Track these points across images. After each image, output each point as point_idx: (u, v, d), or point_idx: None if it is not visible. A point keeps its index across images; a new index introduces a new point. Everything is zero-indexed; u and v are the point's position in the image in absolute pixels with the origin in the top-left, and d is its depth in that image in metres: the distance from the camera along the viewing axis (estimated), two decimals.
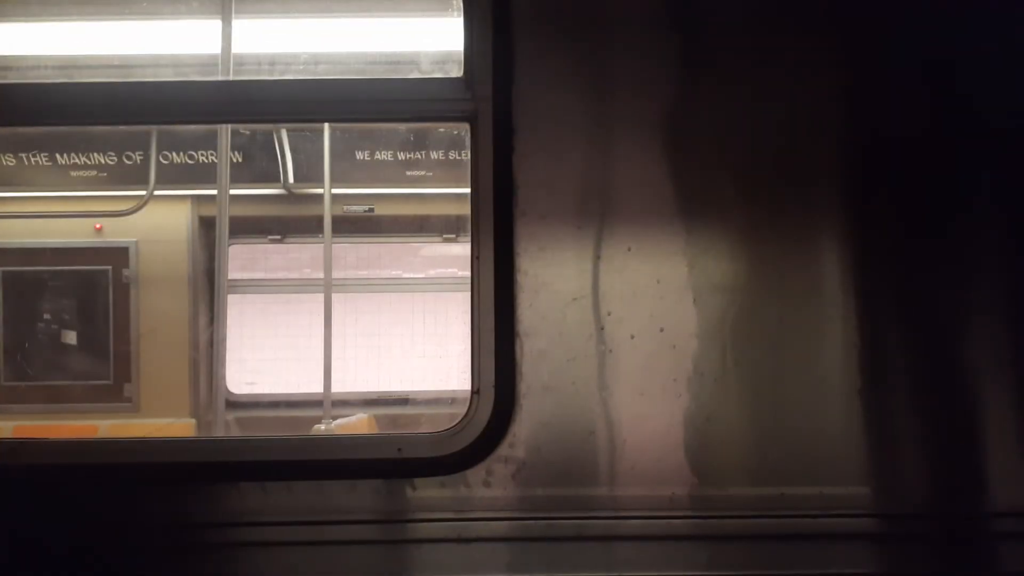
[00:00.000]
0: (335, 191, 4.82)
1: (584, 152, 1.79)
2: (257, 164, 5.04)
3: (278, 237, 5.35)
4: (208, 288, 5.37)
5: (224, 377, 5.41)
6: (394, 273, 5.69)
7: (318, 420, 4.69)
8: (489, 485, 1.69)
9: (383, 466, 1.69)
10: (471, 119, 1.78)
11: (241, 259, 5.62)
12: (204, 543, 1.68)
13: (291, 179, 5.03)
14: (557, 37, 1.81)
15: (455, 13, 1.87)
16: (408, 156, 5.06)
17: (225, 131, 3.57)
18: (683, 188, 1.78)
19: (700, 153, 1.79)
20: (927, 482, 1.75)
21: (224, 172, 3.41)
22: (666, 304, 1.74)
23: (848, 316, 1.75)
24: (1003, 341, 1.77)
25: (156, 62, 3.32)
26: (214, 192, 5.12)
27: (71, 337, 5.11)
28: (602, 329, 1.74)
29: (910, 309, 1.77)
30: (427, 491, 1.68)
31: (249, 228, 5.36)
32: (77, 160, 5.03)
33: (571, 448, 1.71)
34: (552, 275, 1.75)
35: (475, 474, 1.68)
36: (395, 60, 3.12)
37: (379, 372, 5.35)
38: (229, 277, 5.52)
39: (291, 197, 5.15)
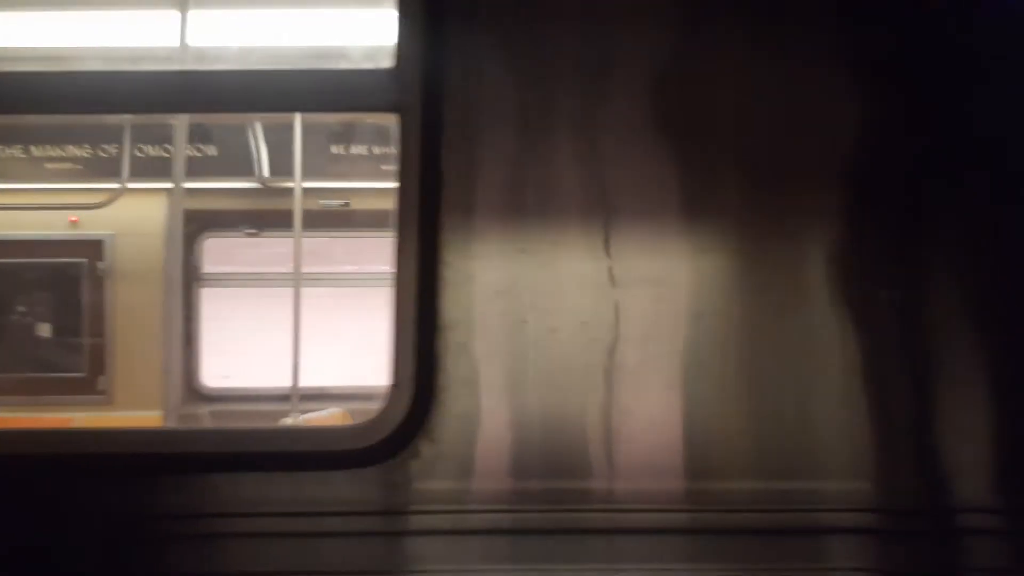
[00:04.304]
0: (311, 185, 4.82)
1: (515, 146, 1.78)
2: (232, 157, 5.05)
3: (254, 231, 5.34)
4: (183, 281, 5.38)
5: (198, 370, 5.45)
6: (375, 268, 5.67)
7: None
8: (406, 479, 1.68)
9: (299, 459, 1.68)
10: (399, 110, 1.77)
11: (221, 252, 5.62)
12: (123, 536, 1.68)
13: (266, 173, 5.03)
14: (493, 30, 1.80)
15: (390, 4, 1.87)
16: (384, 150, 5.06)
17: (182, 124, 3.56)
18: (612, 185, 1.77)
19: (633, 151, 1.78)
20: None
21: (179, 165, 3.40)
22: (589, 298, 1.73)
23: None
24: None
25: (80, 54, 3.31)
26: (189, 185, 5.17)
27: (45, 330, 5.11)
28: (525, 323, 1.73)
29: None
30: (343, 484, 1.67)
31: (225, 222, 5.36)
32: (52, 152, 5.03)
33: (490, 442, 1.71)
34: (477, 268, 1.74)
35: (391, 467, 1.67)
36: (337, 54, 3.12)
37: (354, 366, 5.35)
38: (206, 271, 5.56)
39: (268, 191, 5.16)
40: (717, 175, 1.79)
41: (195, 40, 3.02)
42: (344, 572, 1.67)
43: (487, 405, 1.72)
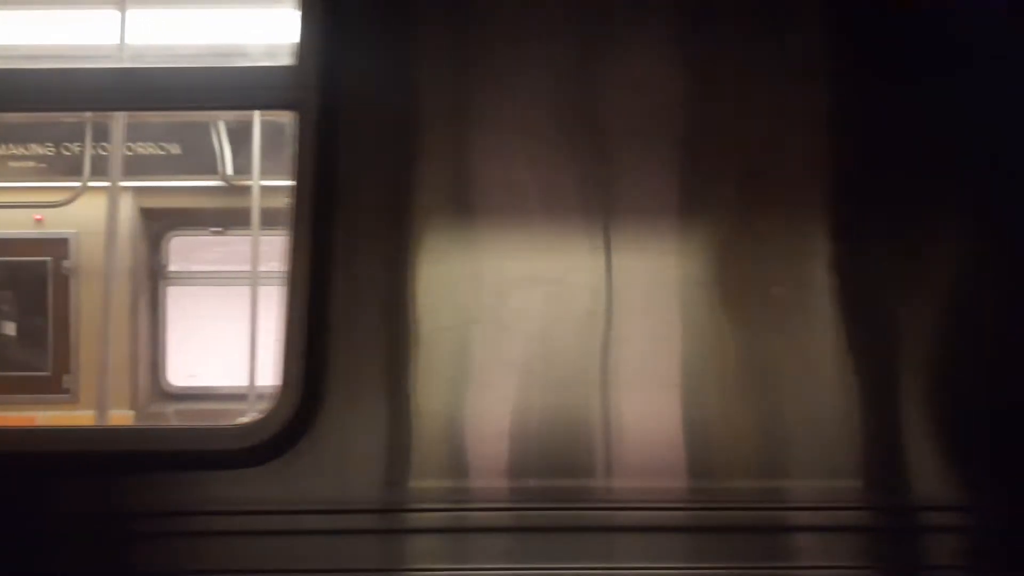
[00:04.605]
0: (274, 183, 4.80)
1: (412, 145, 1.77)
2: (196, 156, 5.03)
3: (220, 229, 5.34)
4: (148, 280, 5.38)
5: (163, 369, 5.44)
6: None
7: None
8: (292, 479, 1.66)
9: (185, 458, 1.67)
10: (297, 107, 1.76)
11: (188, 251, 5.61)
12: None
13: (230, 171, 5.01)
14: (394, 29, 1.79)
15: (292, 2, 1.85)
16: None
17: (120, 121, 3.54)
18: (510, 184, 1.76)
19: (533, 148, 1.77)
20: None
21: (116, 163, 3.38)
22: (481, 296, 1.72)
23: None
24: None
25: None
26: (154, 184, 5.17)
27: (10, 328, 5.10)
28: (417, 321, 1.72)
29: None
30: (229, 484, 1.66)
31: (191, 220, 5.36)
32: (15, 151, 5.02)
33: (380, 441, 1.69)
34: (371, 267, 1.73)
35: (278, 467, 1.66)
36: (238, 52, 3.10)
37: None
38: (172, 269, 5.56)
39: (233, 189, 5.14)
40: (635, 173, 1.77)
41: (94, 38, 3.01)
42: (227, 571, 1.66)
43: (377, 406, 1.70)
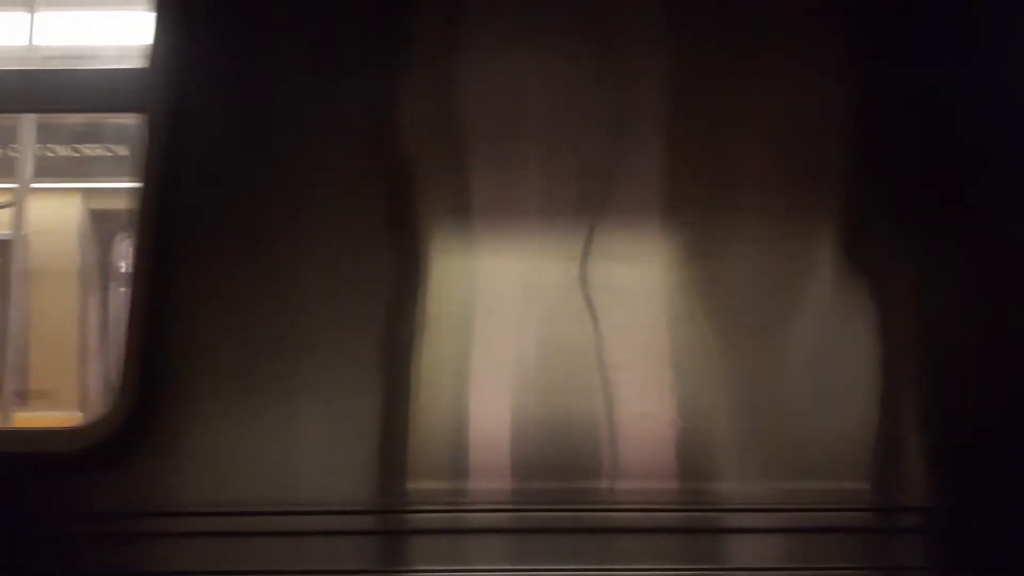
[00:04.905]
0: None
1: (261, 149, 1.76)
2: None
3: None
4: (98, 281, 5.39)
5: (115, 370, 5.44)
6: None
7: None
8: (131, 483, 1.65)
9: (13, 461, 1.66)
10: (145, 110, 1.76)
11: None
12: None
13: None
14: (247, 33, 1.78)
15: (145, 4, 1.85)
16: None
17: (30, 123, 3.55)
18: (361, 182, 1.75)
19: (394, 148, 1.76)
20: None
21: (27, 164, 3.38)
22: (330, 302, 1.71)
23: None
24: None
25: None
26: (102, 185, 5.18)
27: None
28: (261, 324, 1.71)
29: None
30: (61, 488, 1.65)
31: None
32: None
33: (221, 447, 1.68)
34: (218, 271, 1.72)
35: (117, 471, 1.65)
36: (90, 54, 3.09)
37: None
38: (124, 270, 5.56)
39: None
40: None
41: None
42: None
43: (217, 409, 1.69)
